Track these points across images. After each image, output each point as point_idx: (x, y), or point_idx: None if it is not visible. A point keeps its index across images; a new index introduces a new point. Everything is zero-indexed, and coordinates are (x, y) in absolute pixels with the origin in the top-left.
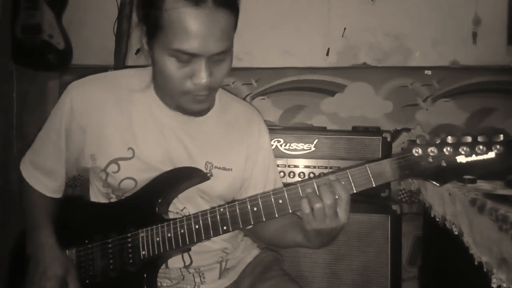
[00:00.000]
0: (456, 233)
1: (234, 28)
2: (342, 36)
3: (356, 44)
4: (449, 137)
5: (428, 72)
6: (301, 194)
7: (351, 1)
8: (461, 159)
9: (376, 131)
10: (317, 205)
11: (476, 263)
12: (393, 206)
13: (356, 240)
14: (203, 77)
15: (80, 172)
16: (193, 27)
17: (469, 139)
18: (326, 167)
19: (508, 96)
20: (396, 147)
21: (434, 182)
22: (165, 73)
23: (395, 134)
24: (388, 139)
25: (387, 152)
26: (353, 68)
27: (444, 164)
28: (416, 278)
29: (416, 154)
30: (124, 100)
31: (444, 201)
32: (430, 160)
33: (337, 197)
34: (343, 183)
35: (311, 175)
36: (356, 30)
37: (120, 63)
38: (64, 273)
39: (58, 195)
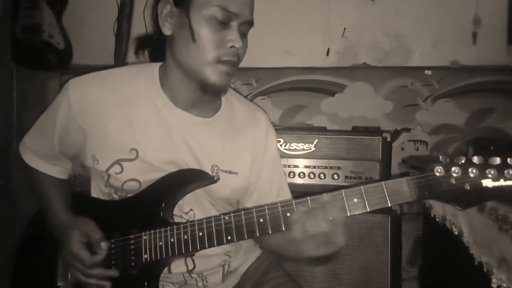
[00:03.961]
0: (456, 233)
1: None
2: (342, 36)
3: (356, 44)
4: (475, 157)
5: (428, 72)
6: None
7: (351, 1)
8: (487, 183)
9: (376, 131)
10: (310, 232)
11: (476, 263)
12: (393, 206)
13: (356, 240)
14: (237, 40)
15: (81, 170)
16: None
17: (497, 160)
18: (326, 167)
19: (508, 96)
20: (396, 147)
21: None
22: (200, 40)
23: (395, 134)
24: (388, 139)
25: (387, 152)
26: (353, 68)
27: (467, 187)
28: (416, 278)
29: (437, 174)
30: (126, 99)
31: None
32: (453, 181)
33: (331, 218)
34: (338, 204)
35: (311, 175)
36: (356, 30)
37: (120, 63)
38: (84, 233)
39: (63, 176)
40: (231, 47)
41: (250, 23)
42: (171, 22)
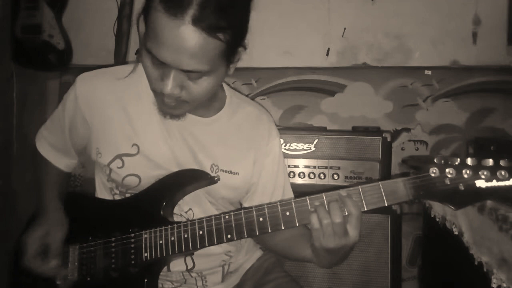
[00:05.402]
0: (456, 233)
1: (223, 54)
2: (342, 36)
3: (356, 44)
4: (469, 159)
5: (428, 72)
6: (309, 208)
7: (351, 1)
8: (480, 183)
9: (376, 131)
10: (326, 221)
11: (476, 263)
12: (393, 206)
13: None
14: (167, 87)
15: (82, 167)
16: (165, 36)
17: (490, 162)
18: (326, 167)
19: (508, 96)
20: (396, 147)
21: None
22: (144, 69)
23: (395, 134)
24: (388, 139)
25: (387, 152)
26: (353, 68)
27: (461, 187)
28: (416, 278)
29: (432, 175)
30: (129, 95)
31: None
32: (447, 182)
33: (347, 213)
34: (354, 198)
35: (311, 175)
36: (356, 30)
37: (120, 63)
38: (48, 237)
39: (67, 170)
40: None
41: (192, 72)
42: None
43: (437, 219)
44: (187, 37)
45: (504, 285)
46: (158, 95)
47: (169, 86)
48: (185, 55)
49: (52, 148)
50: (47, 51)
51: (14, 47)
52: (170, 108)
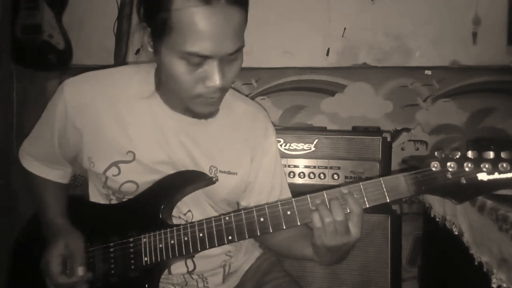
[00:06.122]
0: (456, 233)
1: (245, 24)
2: (342, 36)
3: (356, 44)
4: (470, 152)
5: (428, 72)
6: (310, 206)
7: (351, 1)
8: (482, 176)
9: (376, 131)
10: (327, 220)
11: (476, 263)
12: (393, 206)
13: None
14: (216, 80)
15: (81, 171)
16: (206, 27)
17: (491, 155)
18: (326, 167)
19: (508, 96)
20: (396, 147)
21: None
22: (175, 77)
23: (395, 134)
24: (388, 139)
25: (387, 152)
26: (353, 68)
27: (463, 181)
28: (416, 278)
29: (434, 169)
30: (121, 101)
31: (444, 201)
32: (449, 176)
33: (348, 211)
34: (355, 196)
35: (311, 175)
36: (356, 30)
37: (120, 63)
38: (69, 249)
39: (64, 181)
40: (210, 86)
41: (235, 52)
42: (152, 47)
43: (437, 219)
44: (227, 17)
45: (504, 285)
46: (197, 98)
47: (218, 78)
48: (229, 38)
49: (40, 162)
50: (47, 51)
51: (14, 47)
52: (212, 105)
